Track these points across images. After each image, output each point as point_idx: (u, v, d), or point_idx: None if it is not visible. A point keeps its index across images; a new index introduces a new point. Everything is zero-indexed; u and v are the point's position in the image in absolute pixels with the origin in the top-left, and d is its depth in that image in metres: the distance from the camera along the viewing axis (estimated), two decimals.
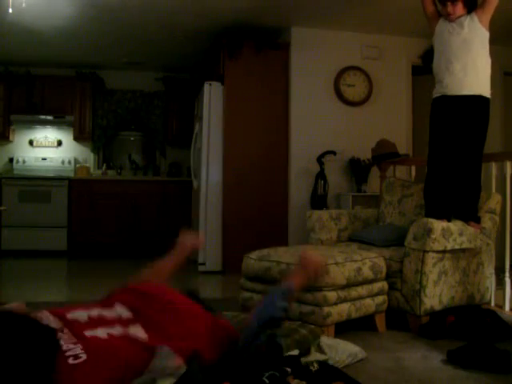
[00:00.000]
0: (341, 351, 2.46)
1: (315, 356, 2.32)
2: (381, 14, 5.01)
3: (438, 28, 3.40)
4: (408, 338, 2.95)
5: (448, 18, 3.31)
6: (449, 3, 3.26)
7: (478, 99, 3.28)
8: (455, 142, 3.32)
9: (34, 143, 7.17)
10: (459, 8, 3.27)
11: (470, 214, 3.31)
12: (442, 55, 3.36)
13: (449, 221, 3.21)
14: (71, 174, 6.97)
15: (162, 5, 4.76)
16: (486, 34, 3.29)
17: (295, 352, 2.19)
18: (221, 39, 5.34)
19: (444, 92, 3.34)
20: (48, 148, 7.20)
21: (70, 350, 1.46)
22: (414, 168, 4.60)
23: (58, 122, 6.98)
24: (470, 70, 3.26)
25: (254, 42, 5.39)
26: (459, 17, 3.29)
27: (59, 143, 7.22)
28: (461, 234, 3.15)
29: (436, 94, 3.41)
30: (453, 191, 3.37)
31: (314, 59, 5.47)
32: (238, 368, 1.86)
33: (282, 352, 2.09)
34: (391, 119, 5.62)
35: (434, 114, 3.43)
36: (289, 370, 1.96)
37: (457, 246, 3.13)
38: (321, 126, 5.44)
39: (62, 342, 1.48)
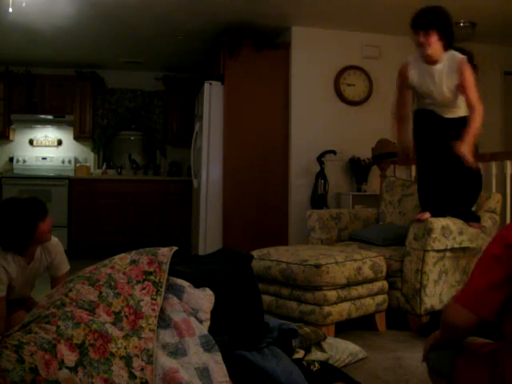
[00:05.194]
0: (341, 350, 2.46)
1: (316, 355, 2.33)
2: (381, 13, 5.00)
3: (410, 79, 3.19)
4: (408, 338, 2.96)
5: (420, 49, 3.01)
6: (421, 32, 2.98)
7: (461, 120, 3.11)
8: (441, 152, 3.17)
9: (34, 143, 7.17)
10: (433, 40, 2.96)
11: (466, 216, 3.27)
12: (419, 94, 3.23)
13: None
14: (71, 174, 6.96)
15: (162, 4, 4.75)
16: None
17: (300, 355, 2.20)
18: (221, 39, 5.34)
19: (426, 108, 3.22)
20: (48, 147, 7.20)
21: None
22: (414, 168, 4.60)
23: (58, 121, 6.97)
24: (448, 107, 3.12)
25: (254, 42, 5.39)
26: (435, 60, 3.01)
27: (59, 143, 7.22)
28: (460, 233, 3.15)
29: (418, 107, 3.30)
30: (446, 193, 3.30)
31: (314, 59, 5.46)
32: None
33: (292, 350, 2.11)
34: (391, 119, 5.59)
35: (417, 126, 3.29)
36: None
37: (456, 245, 3.13)
38: (321, 125, 5.43)
39: None
